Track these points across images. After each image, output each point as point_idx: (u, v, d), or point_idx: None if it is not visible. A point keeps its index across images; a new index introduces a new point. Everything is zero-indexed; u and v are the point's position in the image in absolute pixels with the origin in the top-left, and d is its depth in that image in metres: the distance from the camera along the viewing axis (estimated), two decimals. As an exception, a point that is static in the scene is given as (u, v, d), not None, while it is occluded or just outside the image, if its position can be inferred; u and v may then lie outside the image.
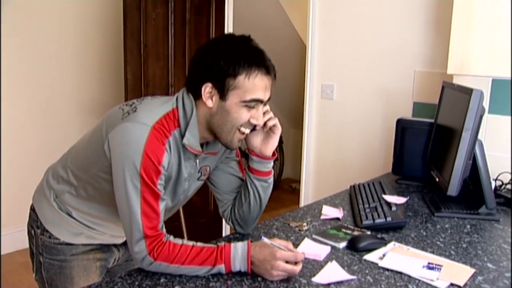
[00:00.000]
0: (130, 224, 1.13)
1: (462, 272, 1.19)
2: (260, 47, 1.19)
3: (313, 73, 2.86)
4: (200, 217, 3.43)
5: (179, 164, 1.22)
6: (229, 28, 3.33)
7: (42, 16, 3.27)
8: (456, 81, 1.99)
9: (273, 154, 1.34)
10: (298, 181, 3.14)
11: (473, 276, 1.18)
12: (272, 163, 1.35)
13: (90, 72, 3.55)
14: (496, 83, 1.99)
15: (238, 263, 1.13)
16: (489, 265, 1.25)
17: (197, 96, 1.18)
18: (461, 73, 1.92)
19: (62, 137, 3.38)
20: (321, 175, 2.92)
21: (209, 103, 1.17)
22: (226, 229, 3.49)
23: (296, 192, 4.39)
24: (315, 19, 2.80)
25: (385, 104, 2.56)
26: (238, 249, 1.14)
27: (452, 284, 1.13)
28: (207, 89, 1.16)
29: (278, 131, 1.30)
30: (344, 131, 2.76)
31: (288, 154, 5.17)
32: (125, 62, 3.03)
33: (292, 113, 4.95)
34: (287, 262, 1.12)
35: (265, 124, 1.26)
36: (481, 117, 1.57)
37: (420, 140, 2.00)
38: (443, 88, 1.94)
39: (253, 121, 1.20)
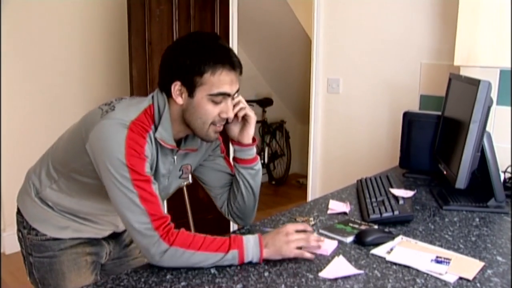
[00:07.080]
0: (132, 213, 1.12)
1: (471, 265, 1.18)
2: (227, 45, 1.24)
3: (318, 67, 2.84)
4: (207, 213, 3.41)
5: (157, 160, 1.24)
6: (233, 24, 3.32)
7: (46, 15, 3.28)
8: (463, 72, 1.96)
9: (253, 140, 1.37)
10: (306, 176, 3.13)
11: (482, 270, 1.16)
12: (254, 150, 1.38)
13: (96, 71, 3.56)
14: (505, 74, 1.96)
15: (251, 250, 1.16)
16: (499, 258, 1.24)
17: (169, 94, 1.22)
18: (468, 65, 1.90)
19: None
20: (328, 169, 2.91)
21: (179, 100, 1.21)
22: (234, 225, 3.49)
23: (303, 188, 4.37)
24: (320, 12, 2.78)
25: (392, 97, 2.54)
26: (250, 238, 1.18)
27: (461, 278, 1.11)
28: (176, 87, 1.20)
29: (251, 119, 1.33)
30: (351, 125, 2.74)
31: (295, 149, 5.17)
32: (130, 60, 3.04)
33: (298, 108, 4.94)
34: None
35: (237, 115, 1.29)
36: (489, 108, 1.55)
37: (427, 133, 1.98)
38: (450, 80, 1.92)
39: (223, 115, 1.23)
